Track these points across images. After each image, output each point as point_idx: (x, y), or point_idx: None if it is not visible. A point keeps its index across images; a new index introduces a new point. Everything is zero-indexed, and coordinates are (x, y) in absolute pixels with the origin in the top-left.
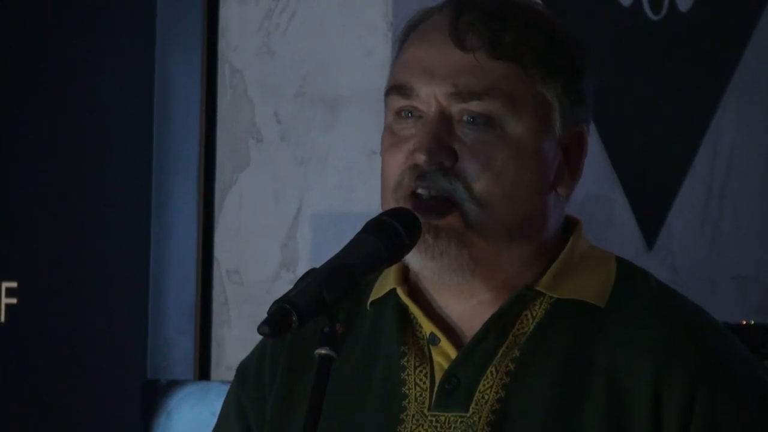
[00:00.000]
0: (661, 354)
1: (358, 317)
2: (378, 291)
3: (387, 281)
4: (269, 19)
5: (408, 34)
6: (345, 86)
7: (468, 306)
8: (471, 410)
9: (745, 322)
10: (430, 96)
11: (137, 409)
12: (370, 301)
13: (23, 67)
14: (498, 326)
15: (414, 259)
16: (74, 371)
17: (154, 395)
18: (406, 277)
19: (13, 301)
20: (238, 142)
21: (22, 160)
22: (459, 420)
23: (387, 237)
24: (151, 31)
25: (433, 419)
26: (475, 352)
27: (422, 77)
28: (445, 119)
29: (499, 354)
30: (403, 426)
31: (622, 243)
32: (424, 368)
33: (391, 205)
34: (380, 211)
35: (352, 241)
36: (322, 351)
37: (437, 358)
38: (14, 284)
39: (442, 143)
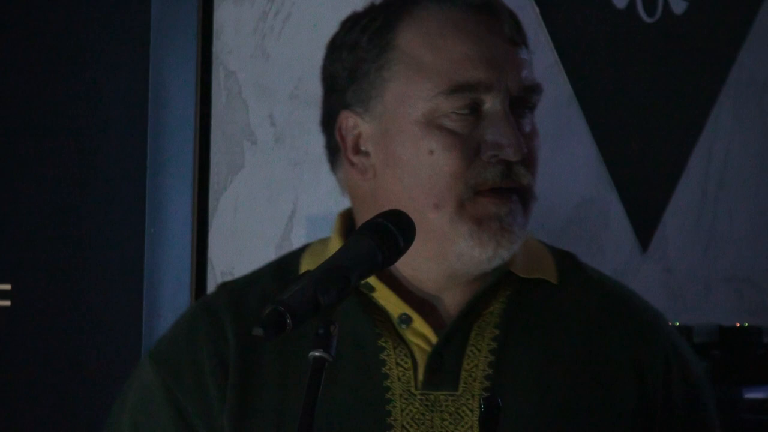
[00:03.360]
0: (632, 321)
1: None
2: None
3: None
4: (264, 21)
5: (398, 14)
6: None
7: (450, 286)
8: (461, 389)
9: (738, 324)
10: (502, 91)
11: None
12: None
13: (17, 68)
14: (476, 306)
15: (483, 245)
16: (69, 373)
17: None
18: None
19: (7, 303)
20: (232, 143)
21: (16, 162)
22: (450, 398)
23: (382, 240)
24: (145, 33)
25: (423, 398)
26: (457, 332)
27: (493, 73)
28: (511, 112)
29: (478, 332)
30: (392, 405)
31: (616, 245)
32: (403, 349)
33: (449, 201)
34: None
35: (347, 244)
36: (317, 353)
37: (412, 338)
38: (8, 287)
39: (522, 137)
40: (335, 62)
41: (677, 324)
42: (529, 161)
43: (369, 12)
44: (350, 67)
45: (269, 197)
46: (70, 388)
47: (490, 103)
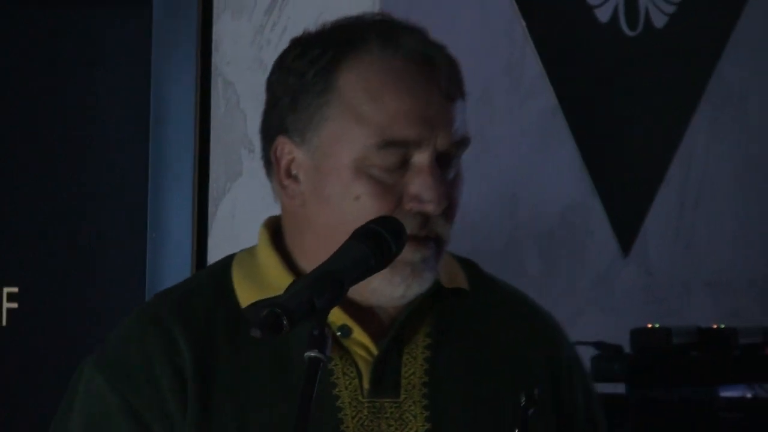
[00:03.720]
0: (539, 323)
1: (233, 319)
2: (254, 292)
3: (268, 284)
4: (261, 34)
5: (344, 54)
6: None
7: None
8: (402, 395)
9: (716, 326)
10: (430, 147)
11: None
12: (248, 302)
13: (21, 79)
14: (409, 317)
15: (394, 285)
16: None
17: None
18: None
19: (15, 305)
20: (231, 152)
21: (23, 170)
22: (393, 405)
23: (375, 245)
24: (147, 45)
25: (370, 405)
26: (394, 342)
27: (425, 131)
28: (438, 165)
29: (412, 342)
30: (343, 413)
31: (599, 249)
32: (348, 359)
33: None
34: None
35: (341, 248)
36: (312, 354)
37: (354, 347)
38: (15, 289)
39: (445, 186)
40: (281, 84)
41: (657, 325)
42: (448, 211)
43: (319, 41)
44: (293, 96)
45: (266, 203)
46: None
47: (418, 157)
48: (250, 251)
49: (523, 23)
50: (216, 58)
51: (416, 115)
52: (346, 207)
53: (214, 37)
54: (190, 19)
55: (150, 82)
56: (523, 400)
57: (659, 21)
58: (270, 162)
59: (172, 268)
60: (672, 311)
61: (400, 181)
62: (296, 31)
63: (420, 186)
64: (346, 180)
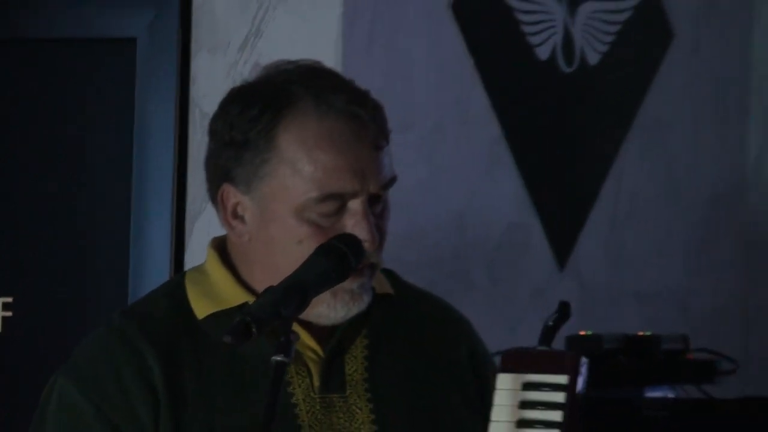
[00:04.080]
0: (455, 319)
1: (192, 332)
2: (210, 306)
3: (222, 299)
4: (234, 69)
5: (282, 115)
6: None
7: None
8: (348, 390)
9: (641, 333)
10: (363, 194)
11: None
12: (205, 315)
13: (22, 109)
14: (350, 324)
15: (337, 310)
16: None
17: None
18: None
19: (9, 314)
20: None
21: (20, 187)
22: (341, 399)
23: (336, 259)
24: (132, 80)
25: (321, 400)
26: (338, 344)
27: (358, 182)
28: (369, 203)
29: (353, 343)
30: (298, 408)
31: (537, 264)
32: (300, 360)
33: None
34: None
35: (306, 263)
36: (278, 358)
37: (303, 350)
38: (10, 299)
39: (376, 219)
40: (224, 135)
41: (589, 333)
42: (379, 243)
43: (257, 98)
44: (237, 150)
45: None
46: None
47: (353, 203)
48: (199, 269)
49: (472, 61)
50: (193, 91)
51: (349, 170)
52: (290, 249)
53: (192, 72)
54: (171, 56)
55: (134, 112)
56: (557, 312)
57: (593, 59)
58: (215, 201)
59: (153, 279)
60: (602, 320)
61: (338, 223)
62: None
63: (355, 228)
64: (289, 226)
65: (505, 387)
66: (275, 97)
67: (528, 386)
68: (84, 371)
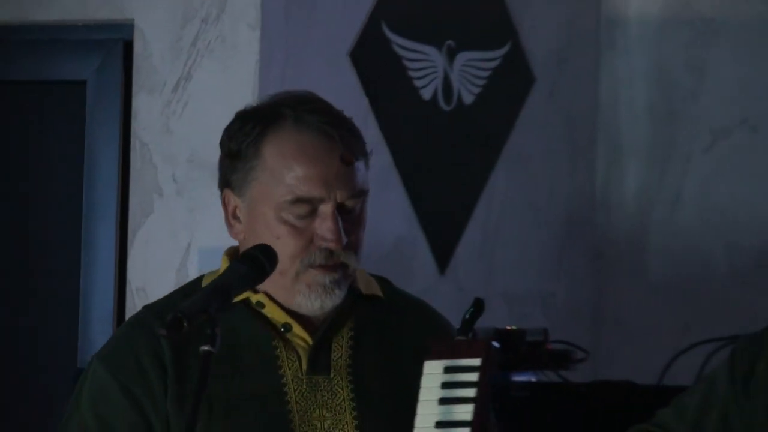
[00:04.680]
0: (435, 322)
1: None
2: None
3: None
4: (168, 107)
5: (268, 130)
6: None
7: None
8: (332, 373)
9: (509, 328)
10: (331, 201)
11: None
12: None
13: None
14: (336, 316)
15: (312, 301)
16: (17, 363)
17: None
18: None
19: None
20: (145, 196)
21: None
22: (326, 380)
23: (255, 266)
24: (83, 115)
25: (308, 380)
26: (325, 334)
27: (326, 190)
28: (340, 212)
29: (339, 334)
30: (287, 387)
31: (421, 269)
32: (290, 347)
33: (290, 271)
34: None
35: (228, 268)
36: (205, 348)
37: (295, 339)
38: None
39: (349, 227)
40: (225, 147)
41: None
42: (352, 245)
43: (252, 117)
44: (232, 159)
45: (171, 234)
46: (20, 374)
47: (323, 208)
48: (214, 272)
49: (367, 100)
50: (134, 125)
51: (318, 179)
52: (271, 242)
53: (133, 109)
54: (115, 96)
55: (84, 142)
56: (472, 306)
57: (468, 99)
58: (223, 206)
59: (100, 282)
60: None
61: (311, 225)
62: (195, 105)
63: (324, 229)
64: (270, 224)
65: (431, 372)
66: (265, 115)
67: (448, 369)
68: (112, 356)
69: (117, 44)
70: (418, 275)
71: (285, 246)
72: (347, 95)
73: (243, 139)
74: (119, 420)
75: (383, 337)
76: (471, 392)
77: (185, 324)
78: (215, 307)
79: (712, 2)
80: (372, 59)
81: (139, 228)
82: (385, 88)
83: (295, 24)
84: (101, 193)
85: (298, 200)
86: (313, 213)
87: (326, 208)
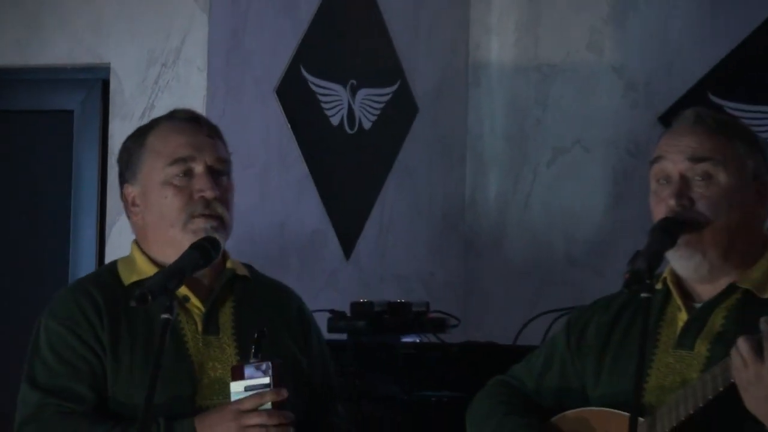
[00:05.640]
0: (291, 296)
1: (122, 293)
2: (133, 276)
3: (139, 271)
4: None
5: (151, 128)
6: None
7: (206, 275)
8: (221, 333)
9: (399, 300)
10: (202, 161)
11: None
12: (129, 282)
13: None
14: (220, 290)
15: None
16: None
17: None
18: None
19: None
20: (118, 199)
21: None
22: (216, 339)
23: (203, 252)
24: (70, 138)
25: (203, 339)
26: (213, 304)
27: (195, 151)
28: (211, 174)
29: (224, 303)
30: (187, 344)
31: (332, 256)
32: (189, 315)
33: (178, 223)
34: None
35: (183, 254)
36: (165, 316)
37: (192, 308)
38: None
39: (219, 189)
40: (122, 155)
41: (366, 300)
42: (223, 200)
43: (137, 130)
44: (126, 159)
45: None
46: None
47: (196, 168)
48: (125, 257)
49: (289, 125)
50: (111, 145)
51: (188, 144)
52: (162, 205)
53: (110, 132)
54: (95, 122)
55: (72, 158)
56: (256, 335)
57: (367, 125)
58: (124, 201)
59: (84, 263)
60: (374, 293)
61: (189, 184)
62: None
63: (198, 183)
64: (158, 190)
65: (236, 391)
66: (146, 126)
67: (249, 389)
68: (60, 311)
69: (97, 82)
70: (328, 260)
71: (172, 202)
72: (274, 122)
73: (132, 141)
74: (75, 357)
75: (255, 304)
76: (268, 403)
77: (150, 297)
78: (173, 285)
79: (553, 51)
80: (293, 94)
81: (114, 224)
82: (303, 116)
83: (234, 67)
84: (85, 196)
85: (176, 161)
86: (189, 174)
87: (199, 168)
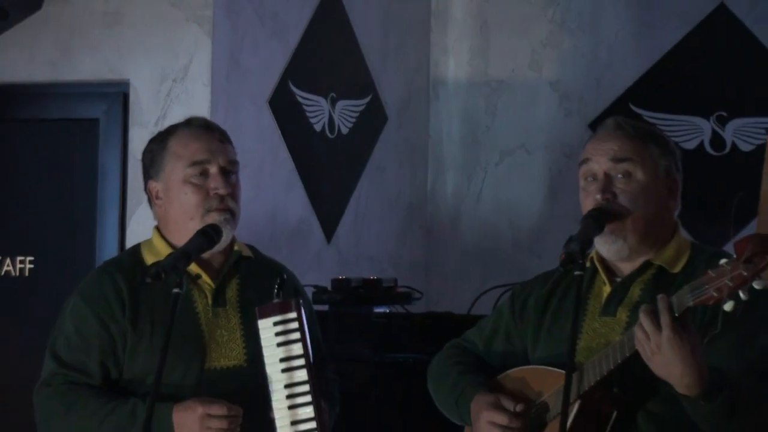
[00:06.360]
0: (287, 273)
1: (143, 272)
2: (153, 258)
3: (158, 253)
4: (152, 136)
5: (168, 136)
6: None
7: (215, 257)
8: (228, 305)
9: (372, 277)
10: (216, 163)
11: None
12: (150, 263)
13: (24, 166)
14: (229, 269)
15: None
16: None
17: None
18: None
19: (32, 266)
20: (137, 193)
21: (31, 204)
22: (223, 311)
23: (206, 237)
24: (96, 142)
25: (212, 311)
26: (223, 280)
27: (210, 155)
28: (223, 174)
29: (231, 280)
30: (199, 316)
31: (315, 240)
32: (201, 290)
33: (197, 216)
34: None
35: (191, 239)
36: (176, 290)
37: (203, 284)
38: (32, 257)
39: (229, 186)
40: (146, 155)
41: (344, 278)
42: (233, 196)
43: (159, 135)
44: (150, 159)
45: (152, 218)
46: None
47: (211, 169)
48: (147, 241)
49: (279, 131)
50: (130, 147)
51: (204, 149)
52: (182, 201)
53: (129, 137)
54: (118, 129)
55: (98, 160)
56: (278, 280)
57: (345, 130)
58: (148, 194)
59: (108, 247)
60: (352, 270)
61: (205, 182)
62: None
63: (213, 182)
64: (179, 187)
65: (264, 328)
66: (166, 131)
67: (276, 323)
68: (86, 292)
69: (118, 95)
70: (312, 244)
71: (191, 198)
72: (267, 129)
73: (155, 146)
74: (92, 335)
75: (257, 281)
76: (297, 334)
77: (163, 275)
78: (182, 265)
79: (502, 70)
80: (283, 105)
81: (133, 214)
82: (291, 123)
83: (233, 83)
84: (108, 191)
85: (194, 163)
86: (205, 174)
87: (213, 169)
